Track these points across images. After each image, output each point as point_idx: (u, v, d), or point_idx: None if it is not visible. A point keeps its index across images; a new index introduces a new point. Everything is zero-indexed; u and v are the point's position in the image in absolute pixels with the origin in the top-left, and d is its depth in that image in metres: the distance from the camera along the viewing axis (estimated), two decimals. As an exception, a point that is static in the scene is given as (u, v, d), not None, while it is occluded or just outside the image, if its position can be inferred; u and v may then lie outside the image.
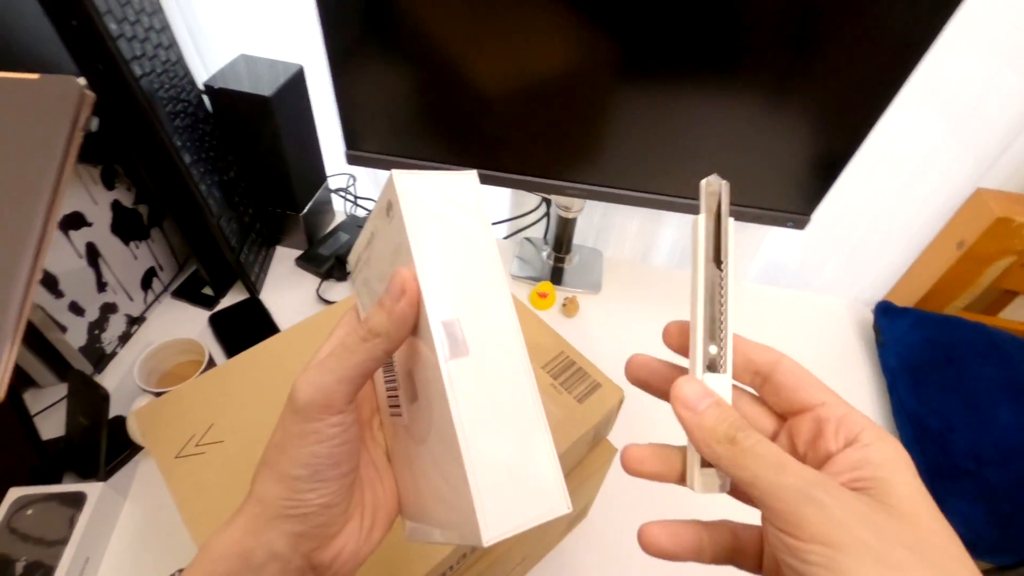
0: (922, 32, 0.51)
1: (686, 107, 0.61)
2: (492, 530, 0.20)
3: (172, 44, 0.62)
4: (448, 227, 0.24)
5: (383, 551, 0.35)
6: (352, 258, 0.31)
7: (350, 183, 0.93)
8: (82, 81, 0.39)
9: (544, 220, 0.90)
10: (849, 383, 0.76)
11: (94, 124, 0.39)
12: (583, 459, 0.47)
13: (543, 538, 0.51)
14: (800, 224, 0.68)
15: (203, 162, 0.67)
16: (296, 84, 0.73)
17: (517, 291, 0.83)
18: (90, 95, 0.39)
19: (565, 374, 0.46)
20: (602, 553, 0.57)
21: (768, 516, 0.20)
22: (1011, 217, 0.69)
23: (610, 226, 0.90)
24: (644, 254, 0.93)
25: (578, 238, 0.91)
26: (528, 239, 0.91)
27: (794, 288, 0.90)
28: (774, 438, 0.24)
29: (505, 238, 0.95)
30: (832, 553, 0.18)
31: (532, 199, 0.89)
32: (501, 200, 0.91)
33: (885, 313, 0.80)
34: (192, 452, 0.39)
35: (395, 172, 0.23)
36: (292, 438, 0.23)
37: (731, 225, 0.24)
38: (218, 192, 0.70)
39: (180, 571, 0.24)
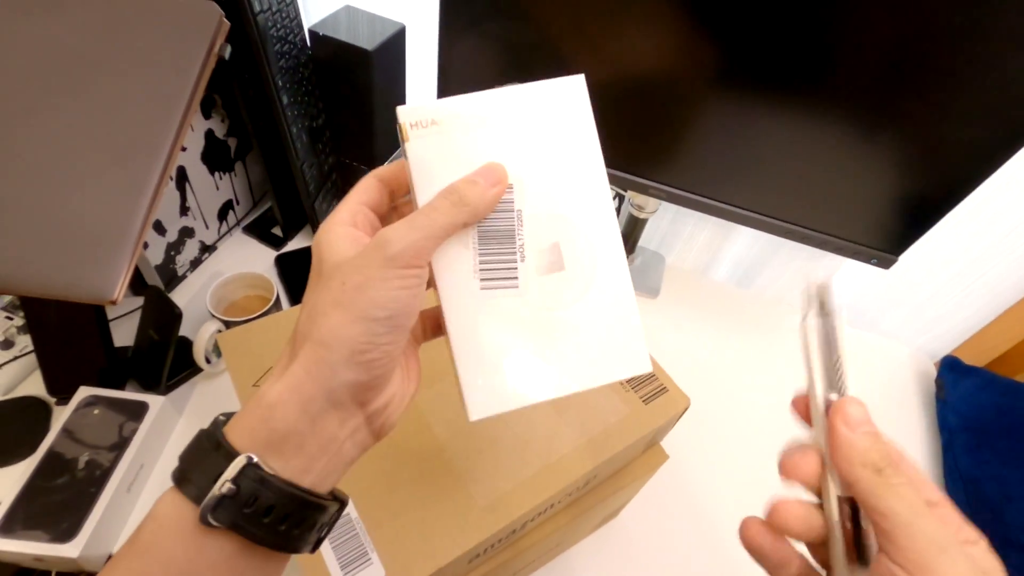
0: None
1: (780, 122, 0.59)
2: (648, 363, 0.28)
3: (288, -15, 0.63)
4: (592, 128, 0.29)
5: (429, 522, 0.35)
6: (424, 115, 0.27)
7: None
8: (219, 8, 0.40)
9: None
10: (902, 435, 0.73)
11: (227, 51, 0.39)
12: (635, 459, 0.47)
13: (579, 529, 0.51)
14: (886, 263, 0.65)
15: (298, 105, 0.68)
16: (396, 42, 0.73)
17: (575, 282, 0.83)
18: (227, 23, 0.39)
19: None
20: (625, 556, 0.57)
21: (890, 551, 0.21)
22: (1113, 292, 0.65)
23: (677, 233, 0.88)
24: (706, 267, 0.91)
25: (643, 240, 0.89)
26: (592, 232, 0.90)
27: (858, 327, 0.88)
28: None
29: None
30: None
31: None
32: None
33: (952, 369, 0.77)
34: (268, 383, 0.40)
35: (584, 79, 0.28)
36: (376, 281, 0.23)
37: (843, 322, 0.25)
38: (306, 136, 0.71)
39: (225, 414, 0.24)
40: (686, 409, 0.45)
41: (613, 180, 0.71)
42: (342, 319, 0.23)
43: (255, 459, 0.22)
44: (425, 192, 0.26)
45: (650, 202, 0.77)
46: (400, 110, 0.27)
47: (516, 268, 0.28)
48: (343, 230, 0.25)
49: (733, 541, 0.26)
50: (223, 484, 0.21)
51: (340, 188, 0.84)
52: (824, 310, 0.24)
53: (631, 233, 0.83)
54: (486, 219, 0.27)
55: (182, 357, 0.62)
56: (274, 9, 0.60)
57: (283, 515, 0.22)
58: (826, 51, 0.53)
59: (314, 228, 0.78)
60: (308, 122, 0.71)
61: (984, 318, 0.80)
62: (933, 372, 0.83)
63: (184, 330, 0.66)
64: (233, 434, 0.23)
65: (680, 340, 0.79)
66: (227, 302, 0.66)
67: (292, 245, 0.80)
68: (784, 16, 0.52)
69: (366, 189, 0.28)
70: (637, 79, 0.61)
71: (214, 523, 0.21)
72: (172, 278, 0.71)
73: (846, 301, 0.88)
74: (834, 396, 0.24)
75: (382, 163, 0.83)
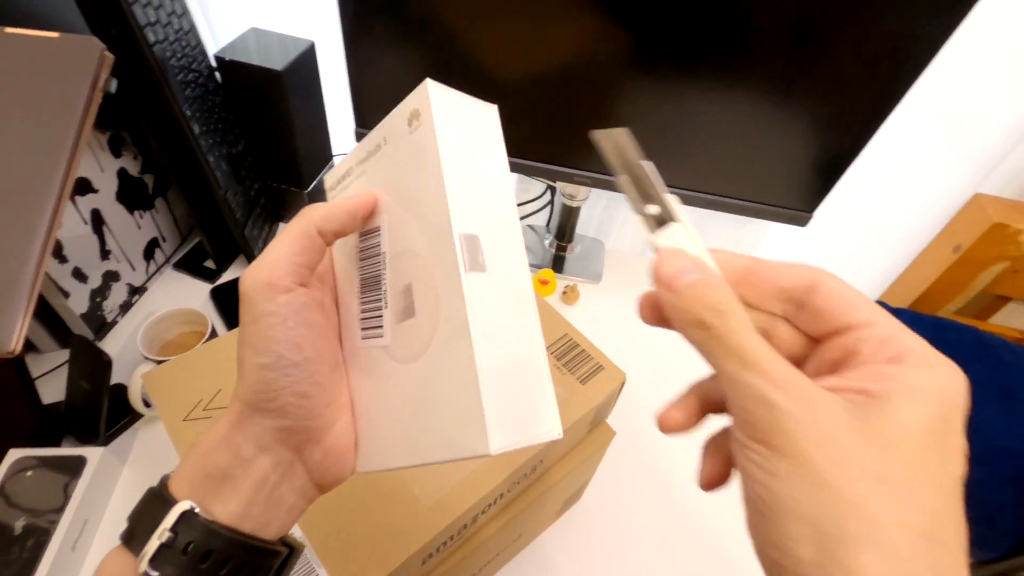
0: (927, 41, 0.52)
1: (693, 100, 0.62)
2: (498, 440, 0.20)
3: (185, 12, 0.62)
4: (471, 145, 0.24)
5: (375, 528, 0.36)
6: (336, 175, 0.29)
7: (355, 163, 0.93)
8: (100, 42, 0.39)
9: (548, 208, 0.91)
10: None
11: (112, 85, 0.39)
12: (582, 440, 0.48)
13: (539, 516, 0.52)
14: (802, 221, 0.69)
15: (212, 133, 0.67)
16: (307, 60, 0.73)
17: (518, 277, 0.84)
18: (110, 56, 0.39)
19: (568, 355, 0.47)
20: (594, 536, 0.58)
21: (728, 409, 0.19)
22: (1007, 223, 0.70)
23: (612, 218, 0.90)
24: (645, 247, 0.94)
25: (580, 228, 0.91)
26: (531, 226, 0.91)
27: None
28: (800, 364, 0.21)
29: (508, 225, 0.95)
30: (772, 458, 0.17)
31: (537, 186, 0.90)
32: (505, 187, 0.91)
33: (879, 313, 0.81)
34: (200, 416, 0.40)
35: (430, 81, 0.23)
36: (249, 328, 0.23)
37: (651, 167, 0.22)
38: (225, 164, 0.70)
39: (168, 475, 0.24)
40: (623, 384, 0.46)
41: (538, 173, 0.72)
42: (239, 374, 0.23)
43: (194, 506, 0.22)
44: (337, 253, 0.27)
45: (580, 190, 0.79)
46: (325, 179, 0.28)
47: (382, 315, 0.26)
48: (255, 261, 0.25)
49: (695, 505, 0.25)
50: (162, 532, 0.22)
51: (270, 212, 0.83)
52: (627, 162, 0.22)
53: (567, 222, 0.85)
54: (361, 264, 0.26)
55: (120, 405, 0.60)
56: (172, 39, 0.59)
57: (223, 560, 0.22)
58: (728, 29, 0.55)
59: (247, 256, 0.77)
60: (226, 149, 0.70)
61: (903, 262, 0.85)
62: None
63: (120, 376, 0.64)
64: (174, 484, 0.23)
65: (622, 320, 0.81)
66: (162, 341, 0.64)
67: (227, 276, 0.79)
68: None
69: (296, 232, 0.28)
70: (549, 70, 0.62)
71: (154, 573, 0.21)
72: (101, 325, 0.68)
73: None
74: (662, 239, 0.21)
75: (310, 183, 0.82)
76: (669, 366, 0.76)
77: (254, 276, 0.23)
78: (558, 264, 0.86)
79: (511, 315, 0.23)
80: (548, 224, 0.91)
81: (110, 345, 0.69)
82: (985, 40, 0.63)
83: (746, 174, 0.68)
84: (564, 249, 0.87)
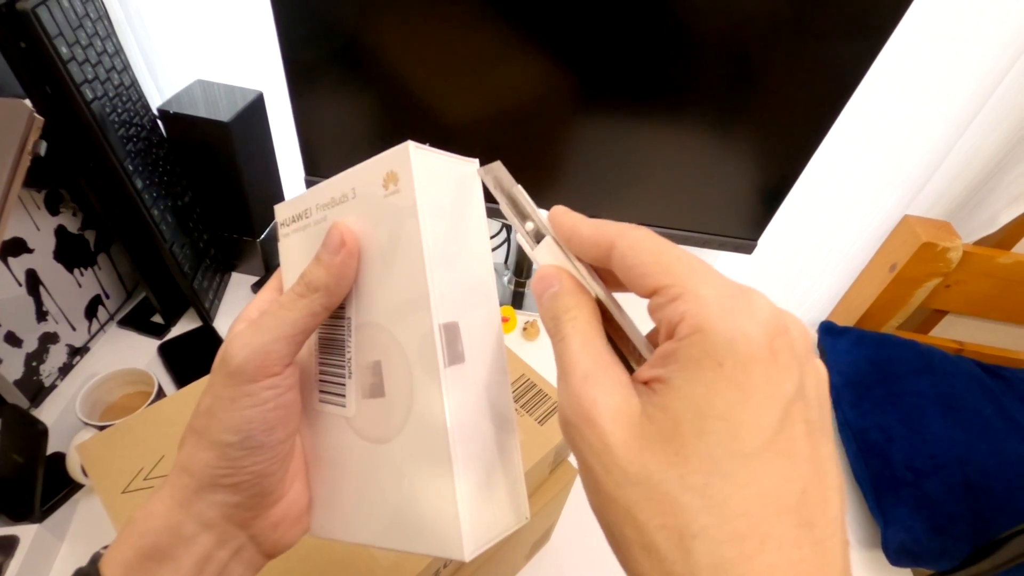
0: (852, 68, 0.56)
1: (638, 137, 0.64)
2: (472, 545, 0.20)
3: (126, 68, 0.61)
4: (452, 213, 0.22)
5: (335, 559, 0.34)
6: (290, 211, 0.27)
7: (309, 209, 0.92)
8: (29, 104, 0.38)
9: (505, 246, 0.92)
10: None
11: (42, 148, 0.38)
12: (544, 481, 0.48)
13: (507, 563, 0.51)
14: (747, 249, 0.72)
15: (156, 187, 0.65)
16: (255, 110, 0.73)
17: (478, 316, 0.84)
18: (39, 119, 0.38)
19: (526, 396, 0.47)
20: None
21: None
22: (935, 242, 0.74)
23: (569, 251, 0.92)
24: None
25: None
26: (489, 264, 0.92)
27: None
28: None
29: (466, 263, 0.95)
30: (580, 471, 0.18)
31: (493, 225, 0.91)
32: (462, 226, 0.92)
33: (828, 333, 0.84)
34: (141, 486, 0.38)
35: (412, 146, 0.21)
36: (223, 402, 0.21)
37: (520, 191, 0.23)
38: (171, 217, 0.68)
39: (105, 548, 0.23)
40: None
41: (489, 213, 0.73)
42: (195, 445, 0.22)
43: None
44: None
45: (534, 227, 0.80)
46: (276, 209, 0.26)
47: (344, 384, 0.24)
48: (241, 327, 0.23)
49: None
50: None
51: (221, 263, 0.81)
52: (504, 189, 0.23)
53: (523, 258, 0.85)
54: (322, 326, 0.25)
55: (58, 476, 0.56)
56: (111, 95, 0.58)
57: None
58: (667, 70, 0.58)
59: (197, 308, 0.75)
60: (172, 202, 0.69)
61: (844, 284, 0.89)
62: (815, 339, 0.90)
63: (60, 444, 0.60)
64: (106, 567, 0.22)
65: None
66: (104, 405, 0.61)
67: (177, 330, 0.76)
68: (624, 38, 0.56)
69: (279, 275, 0.26)
70: (495, 112, 0.64)
71: None
72: (39, 390, 0.65)
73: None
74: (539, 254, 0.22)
75: (262, 231, 0.81)
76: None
77: (247, 352, 0.21)
78: (518, 300, 0.86)
79: (488, 401, 0.22)
80: (506, 261, 0.92)
81: (49, 410, 0.65)
82: (903, 68, 0.68)
83: (692, 206, 0.70)
84: (523, 285, 0.88)
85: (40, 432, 0.51)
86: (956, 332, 0.89)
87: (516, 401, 0.46)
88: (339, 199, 0.24)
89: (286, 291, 0.23)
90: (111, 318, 0.75)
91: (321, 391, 0.25)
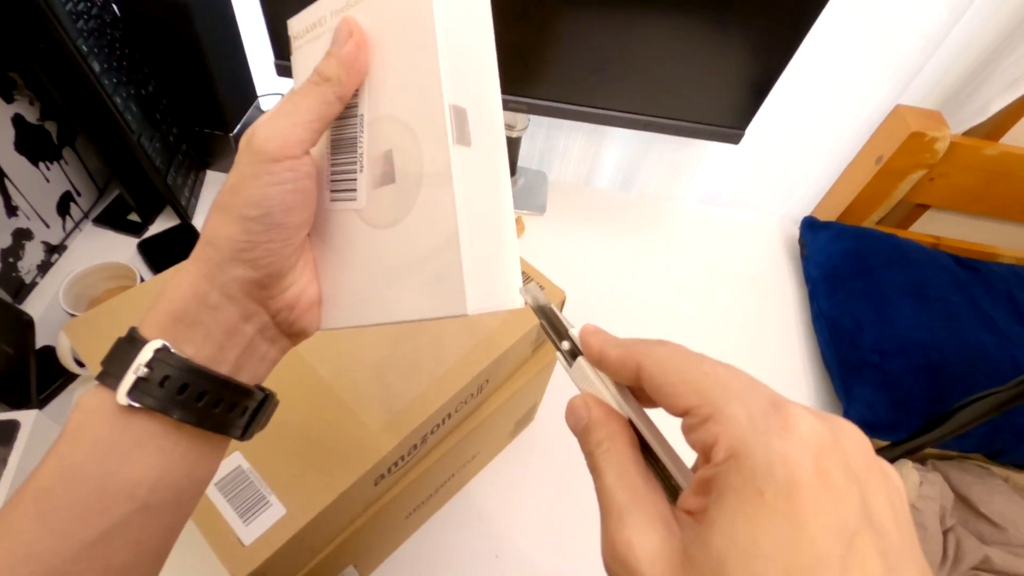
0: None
1: (626, 22, 0.61)
2: (474, 302, 0.22)
3: (65, -67, 0.55)
4: (463, 18, 0.24)
5: (325, 455, 0.36)
6: (305, 22, 0.28)
7: (283, 104, 0.88)
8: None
9: (488, 142, 0.89)
10: (777, 295, 0.81)
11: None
12: (527, 360, 0.50)
13: (491, 437, 0.54)
14: (734, 139, 0.70)
15: (115, 72, 0.61)
16: (215, -13, 0.67)
17: (463, 214, 0.83)
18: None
19: (509, 278, 0.47)
20: (548, 458, 0.61)
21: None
22: (924, 132, 0.73)
23: (553, 148, 0.90)
24: (587, 177, 0.94)
25: (523, 160, 0.90)
26: (473, 162, 0.90)
27: (732, 207, 0.94)
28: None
29: (449, 162, 0.93)
30: None
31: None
32: (444, 122, 0.89)
33: (810, 227, 0.85)
34: (131, 362, 0.38)
35: None
36: (247, 179, 0.23)
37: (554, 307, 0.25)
38: (136, 107, 0.65)
39: (134, 326, 0.25)
40: (563, 302, 0.47)
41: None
42: (220, 219, 0.23)
43: (167, 344, 0.23)
44: None
45: (519, 119, 0.77)
46: (289, 22, 0.27)
47: (356, 179, 0.26)
48: (270, 116, 0.24)
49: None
50: (138, 368, 0.22)
51: (195, 159, 0.78)
52: (541, 308, 0.24)
53: (508, 155, 0.83)
54: (335, 125, 0.26)
55: (52, 368, 0.57)
56: (52, -37, 0.53)
57: (199, 393, 0.23)
58: None
59: (174, 206, 0.73)
60: (135, 90, 0.65)
61: (830, 178, 0.88)
62: (799, 234, 0.91)
63: (46, 339, 0.61)
64: (144, 328, 0.23)
65: (568, 250, 0.82)
66: (88, 299, 0.61)
67: (155, 228, 0.75)
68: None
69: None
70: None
71: (134, 403, 0.22)
72: (20, 287, 0.64)
73: (723, 183, 0.94)
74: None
75: (235, 125, 0.78)
76: (610, 290, 0.78)
77: (268, 132, 0.23)
78: (502, 198, 0.85)
79: (489, 191, 0.24)
80: (490, 158, 0.90)
81: (32, 307, 0.65)
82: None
83: (679, 95, 0.68)
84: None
85: (26, 323, 0.52)
86: (935, 227, 0.90)
87: (499, 283, 0.47)
88: (353, 1, 0.25)
89: (302, 84, 0.24)
90: (85, 216, 0.74)
91: (333, 190, 0.27)
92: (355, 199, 0.26)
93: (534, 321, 0.45)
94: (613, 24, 0.61)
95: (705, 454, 0.16)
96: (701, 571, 0.14)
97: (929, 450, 0.66)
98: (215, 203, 0.24)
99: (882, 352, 0.66)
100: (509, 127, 0.79)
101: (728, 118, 0.69)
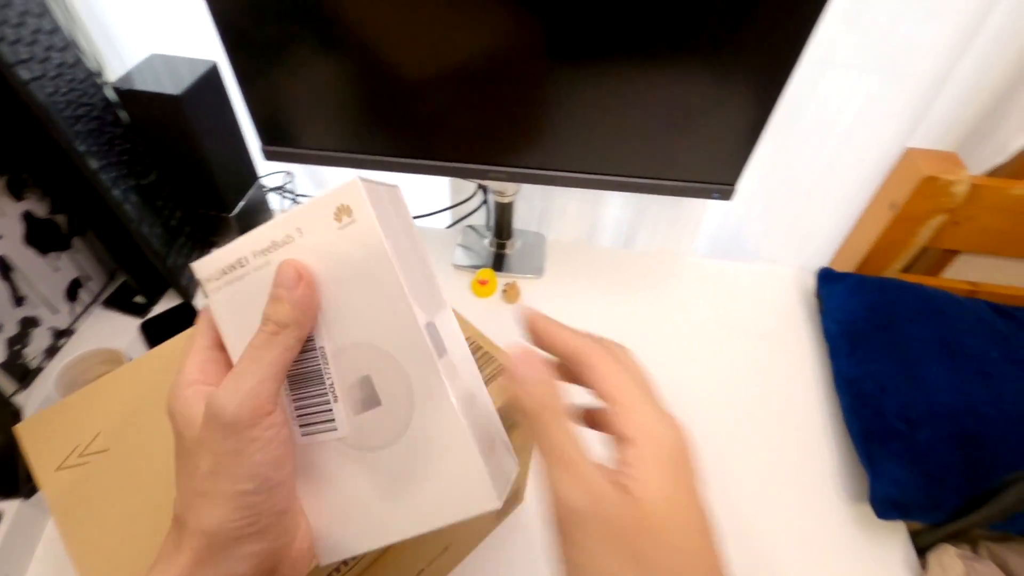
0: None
1: (604, 87, 0.60)
2: (499, 492, 0.24)
3: (67, 46, 0.60)
4: (398, 231, 0.26)
5: None
6: (218, 264, 0.27)
7: (287, 181, 0.91)
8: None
9: (484, 207, 0.89)
10: (795, 353, 0.75)
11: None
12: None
13: (472, 522, 0.51)
14: (726, 195, 0.67)
15: (114, 167, 0.65)
16: (210, 81, 0.71)
17: (459, 280, 0.82)
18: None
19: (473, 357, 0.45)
20: (542, 543, 0.57)
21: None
22: (938, 175, 0.68)
23: (550, 209, 0.89)
24: (589, 235, 0.92)
25: (521, 223, 0.90)
26: (471, 227, 0.90)
27: (743, 260, 0.90)
28: None
29: (448, 227, 0.93)
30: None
31: (470, 186, 0.88)
32: (441, 189, 0.90)
33: (826, 280, 0.80)
34: (76, 463, 0.38)
35: (360, 179, 0.24)
36: (226, 457, 0.21)
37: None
38: (135, 197, 0.68)
39: None
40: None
41: (456, 174, 0.70)
42: (206, 505, 0.22)
43: None
44: (238, 345, 0.25)
45: (507, 186, 0.77)
46: (194, 267, 0.27)
47: (331, 409, 0.26)
48: (192, 391, 0.24)
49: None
50: None
51: (198, 239, 0.81)
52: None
53: (502, 219, 0.83)
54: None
55: (41, 453, 0.58)
56: (51, 75, 0.57)
57: None
58: (630, 14, 0.53)
59: (175, 286, 0.75)
60: (135, 181, 0.68)
61: (846, 225, 0.83)
62: (815, 287, 0.86)
63: (44, 424, 0.62)
64: None
65: (568, 311, 0.79)
66: (82, 384, 0.62)
67: (159, 309, 0.77)
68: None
69: (207, 328, 0.26)
70: (461, 69, 0.60)
71: None
72: (25, 373, 0.67)
73: (732, 236, 0.90)
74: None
75: (235, 205, 0.81)
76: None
77: (236, 399, 0.22)
78: (499, 262, 0.84)
79: (468, 379, 0.27)
80: (487, 223, 0.90)
81: (38, 391, 0.67)
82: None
83: (665, 155, 0.66)
84: (504, 246, 0.86)
85: (12, 412, 0.53)
86: (971, 272, 0.83)
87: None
88: (282, 241, 0.25)
89: (255, 335, 0.24)
90: (95, 299, 0.77)
91: (302, 425, 0.26)
92: (335, 428, 0.26)
93: (498, 401, 0.43)
94: (585, 87, 0.60)
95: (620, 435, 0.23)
96: (636, 518, 0.21)
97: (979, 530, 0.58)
98: (190, 490, 0.22)
99: (909, 420, 0.59)
100: (500, 193, 0.78)
101: (717, 174, 0.66)
